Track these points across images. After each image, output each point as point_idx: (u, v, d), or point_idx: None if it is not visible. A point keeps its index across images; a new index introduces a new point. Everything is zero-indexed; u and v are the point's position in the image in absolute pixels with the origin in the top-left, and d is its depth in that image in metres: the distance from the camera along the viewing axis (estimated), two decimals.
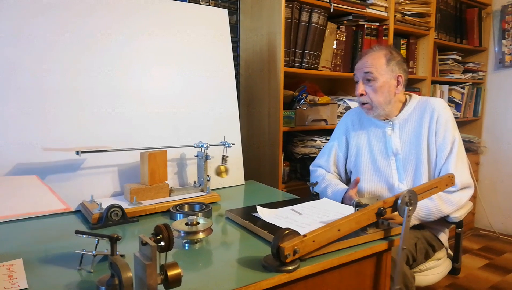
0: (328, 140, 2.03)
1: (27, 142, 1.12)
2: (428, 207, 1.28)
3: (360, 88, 1.37)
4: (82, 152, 1.10)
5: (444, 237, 1.42)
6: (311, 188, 1.27)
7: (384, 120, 1.42)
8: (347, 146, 1.52)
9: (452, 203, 1.30)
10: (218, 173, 1.34)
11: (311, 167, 1.60)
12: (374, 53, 1.37)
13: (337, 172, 1.55)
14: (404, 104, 1.42)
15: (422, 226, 1.35)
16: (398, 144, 1.39)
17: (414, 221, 1.30)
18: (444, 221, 1.37)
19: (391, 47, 1.41)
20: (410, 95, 1.45)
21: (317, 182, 1.30)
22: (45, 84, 1.16)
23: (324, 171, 1.54)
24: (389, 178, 1.40)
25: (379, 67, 1.34)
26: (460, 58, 2.84)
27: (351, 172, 1.53)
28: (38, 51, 1.15)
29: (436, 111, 1.35)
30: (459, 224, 1.38)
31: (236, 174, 1.51)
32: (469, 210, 1.41)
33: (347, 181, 1.55)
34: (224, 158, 1.34)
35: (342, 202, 1.35)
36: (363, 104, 1.39)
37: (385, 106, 1.37)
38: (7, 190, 0.78)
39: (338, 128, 1.58)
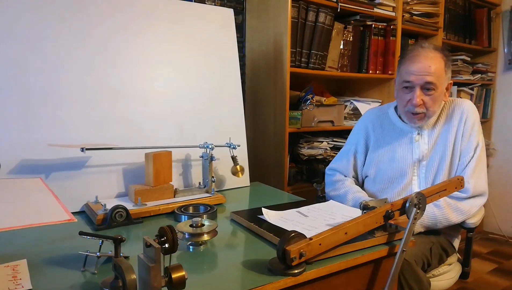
0: (334, 141, 2.01)
1: (32, 141, 1.12)
2: (435, 215, 1.23)
3: (419, 97, 1.22)
4: (87, 149, 1.10)
5: (457, 242, 1.38)
6: (317, 189, 1.26)
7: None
8: (366, 151, 1.43)
9: (462, 212, 1.24)
10: (234, 172, 1.34)
11: (327, 171, 1.51)
12: (433, 56, 1.23)
13: (355, 176, 1.48)
14: None
15: (437, 231, 1.30)
16: (426, 150, 1.31)
17: (419, 228, 1.24)
18: (459, 227, 1.32)
19: (443, 47, 1.29)
20: None
21: (323, 184, 1.27)
22: (50, 83, 1.16)
23: (342, 176, 1.45)
24: (411, 186, 1.33)
25: (441, 75, 1.22)
26: (469, 58, 2.80)
27: (366, 176, 1.44)
28: (43, 51, 1.15)
29: (465, 114, 1.29)
30: (471, 229, 1.35)
31: None
32: (483, 215, 1.36)
33: (361, 185, 1.48)
34: (234, 159, 1.34)
35: None
36: (415, 113, 1.26)
37: (435, 116, 1.30)
38: (11, 196, 0.77)
39: (358, 131, 1.46)
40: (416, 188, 1.32)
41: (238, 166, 1.34)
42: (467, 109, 1.30)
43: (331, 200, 1.23)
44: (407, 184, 1.33)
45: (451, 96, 1.39)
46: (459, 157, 1.29)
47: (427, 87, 1.23)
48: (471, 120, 1.29)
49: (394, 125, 1.39)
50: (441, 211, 1.23)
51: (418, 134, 1.33)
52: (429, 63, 1.21)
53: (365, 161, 1.44)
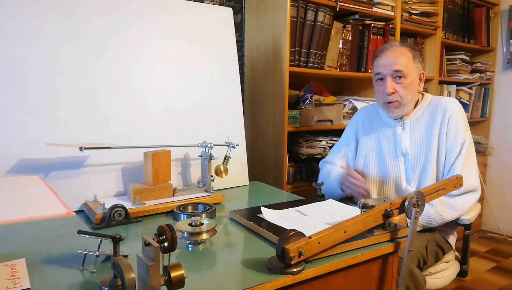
0: (333, 140, 2.02)
1: (31, 141, 1.11)
2: (429, 214, 1.24)
3: (390, 86, 1.30)
4: (86, 148, 1.09)
5: (453, 239, 1.40)
6: (316, 188, 1.26)
7: (395, 119, 1.39)
8: (356, 145, 1.50)
9: (455, 208, 1.26)
10: (218, 173, 1.33)
11: (320, 165, 1.57)
12: (398, 49, 1.32)
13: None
14: (417, 103, 1.39)
15: (431, 228, 1.32)
16: (408, 144, 1.36)
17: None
18: (453, 224, 1.34)
19: (410, 44, 1.39)
20: (422, 94, 1.42)
21: (322, 183, 1.28)
22: (49, 83, 1.15)
23: (333, 166, 1.51)
24: (397, 179, 1.37)
25: (408, 64, 1.31)
26: (467, 58, 2.80)
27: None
28: (42, 50, 1.15)
29: (449, 111, 1.32)
30: (467, 226, 1.35)
31: (240, 174, 1.50)
32: (478, 212, 1.38)
33: None
34: (226, 159, 1.33)
35: (341, 182, 1.39)
36: (390, 102, 1.33)
37: (410, 104, 1.35)
38: (10, 191, 0.77)
39: (349, 127, 1.55)
40: (404, 182, 1.36)
41: (221, 166, 1.32)
42: (451, 106, 1.33)
43: (330, 199, 1.24)
44: (396, 177, 1.37)
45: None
46: (446, 154, 1.31)
47: (397, 75, 1.31)
48: (455, 118, 1.31)
49: (381, 119, 1.45)
50: (435, 209, 1.24)
51: (401, 128, 1.38)
52: (394, 54, 1.32)
53: (356, 155, 1.50)
